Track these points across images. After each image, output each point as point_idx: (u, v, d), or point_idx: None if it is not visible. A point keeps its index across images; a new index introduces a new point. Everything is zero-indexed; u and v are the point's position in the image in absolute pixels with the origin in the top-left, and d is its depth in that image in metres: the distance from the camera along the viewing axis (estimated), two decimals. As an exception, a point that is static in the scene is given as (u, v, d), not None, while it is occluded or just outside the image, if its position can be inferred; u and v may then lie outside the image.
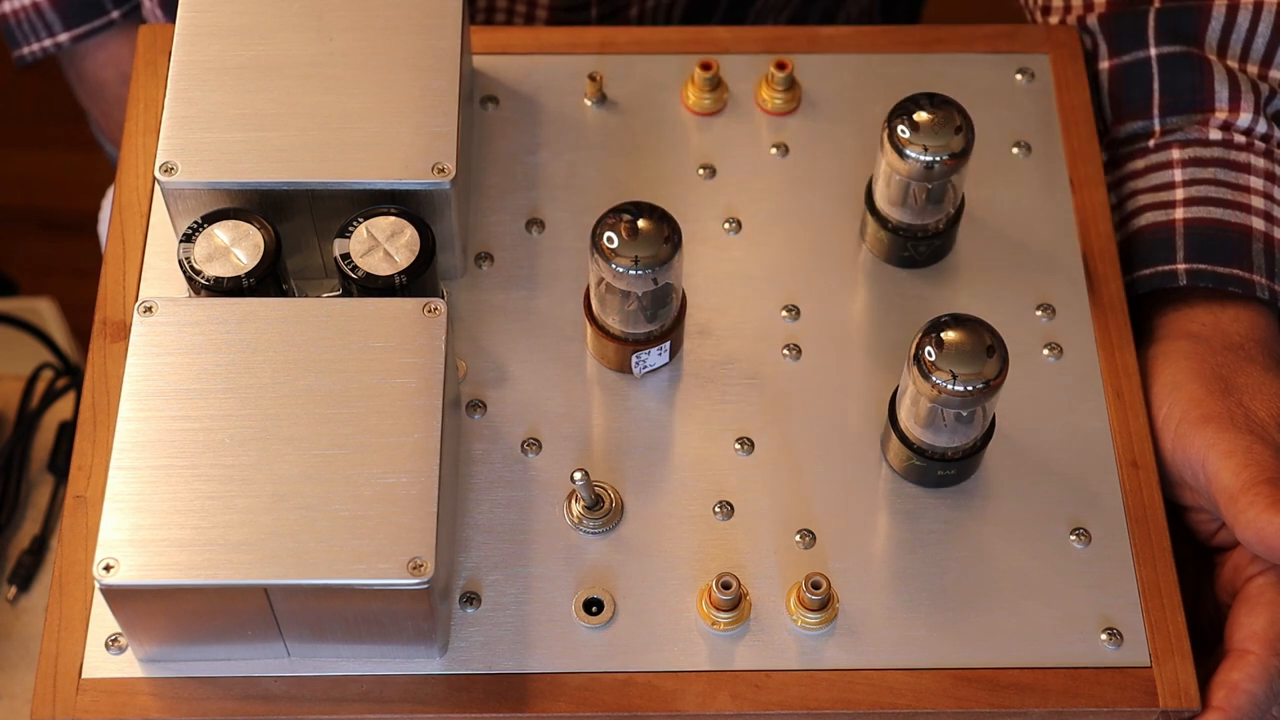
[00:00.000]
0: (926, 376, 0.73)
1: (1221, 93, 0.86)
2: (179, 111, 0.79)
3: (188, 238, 0.76)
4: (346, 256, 0.76)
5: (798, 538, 0.77)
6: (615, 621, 0.75)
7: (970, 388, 0.73)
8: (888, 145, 0.79)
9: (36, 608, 1.03)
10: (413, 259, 0.76)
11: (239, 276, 0.76)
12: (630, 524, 0.77)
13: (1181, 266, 0.83)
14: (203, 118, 0.78)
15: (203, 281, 0.76)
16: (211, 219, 0.77)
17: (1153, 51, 0.87)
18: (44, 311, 1.38)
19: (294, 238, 0.79)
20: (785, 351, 0.82)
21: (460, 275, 0.83)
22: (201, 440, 0.71)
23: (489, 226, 0.85)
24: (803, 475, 0.79)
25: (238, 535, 0.69)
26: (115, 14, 1.08)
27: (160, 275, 0.82)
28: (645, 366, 0.80)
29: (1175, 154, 0.86)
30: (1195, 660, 0.75)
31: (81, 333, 1.13)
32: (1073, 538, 0.77)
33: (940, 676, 0.74)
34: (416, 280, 0.76)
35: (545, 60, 0.89)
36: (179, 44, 0.80)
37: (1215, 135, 0.86)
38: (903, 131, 0.78)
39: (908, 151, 0.78)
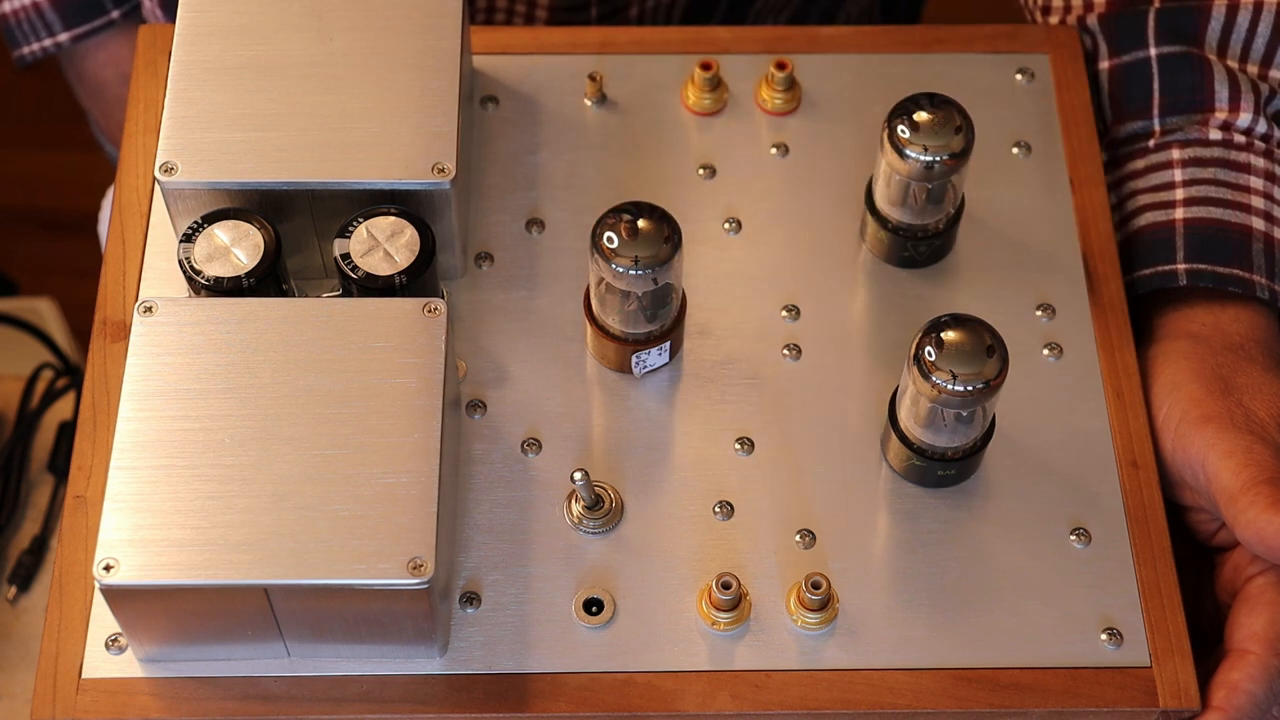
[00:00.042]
0: (926, 376, 0.73)
1: (1221, 93, 0.86)
2: (179, 111, 0.79)
3: (188, 238, 0.76)
4: (346, 256, 0.76)
5: (798, 538, 0.77)
6: (615, 621, 0.75)
7: (970, 388, 0.73)
8: (888, 145, 0.79)
9: (36, 608, 1.03)
10: (413, 259, 0.76)
11: (239, 276, 0.76)
12: (630, 524, 0.77)
13: (1181, 266, 0.83)
14: (203, 118, 0.78)
15: (203, 281, 0.76)
16: (211, 219, 0.77)
17: (1153, 51, 0.87)
18: (44, 311, 1.38)
19: (294, 238, 0.79)
20: (785, 351, 0.82)
21: (460, 275, 0.83)
22: (201, 440, 0.71)
23: (489, 226, 0.85)
24: (803, 475, 0.79)
25: (238, 535, 0.69)
26: (115, 14, 1.08)
27: (160, 275, 0.82)
28: (645, 366, 0.80)
29: (1175, 154, 0.86)
30: (1195, 660, 0.75)
31: (81, 333, 1.13)
32: (1073, 538, 0.77)
33: (940, 676, 0.74)
34: (416, 280, 0.76)
35: (545, 60, 0.89)
36: (179, 44, 0.80)
37: (1215, 135, 0.86)
38: (903, 131, 0.78)
39: (908, 151, 0.78)
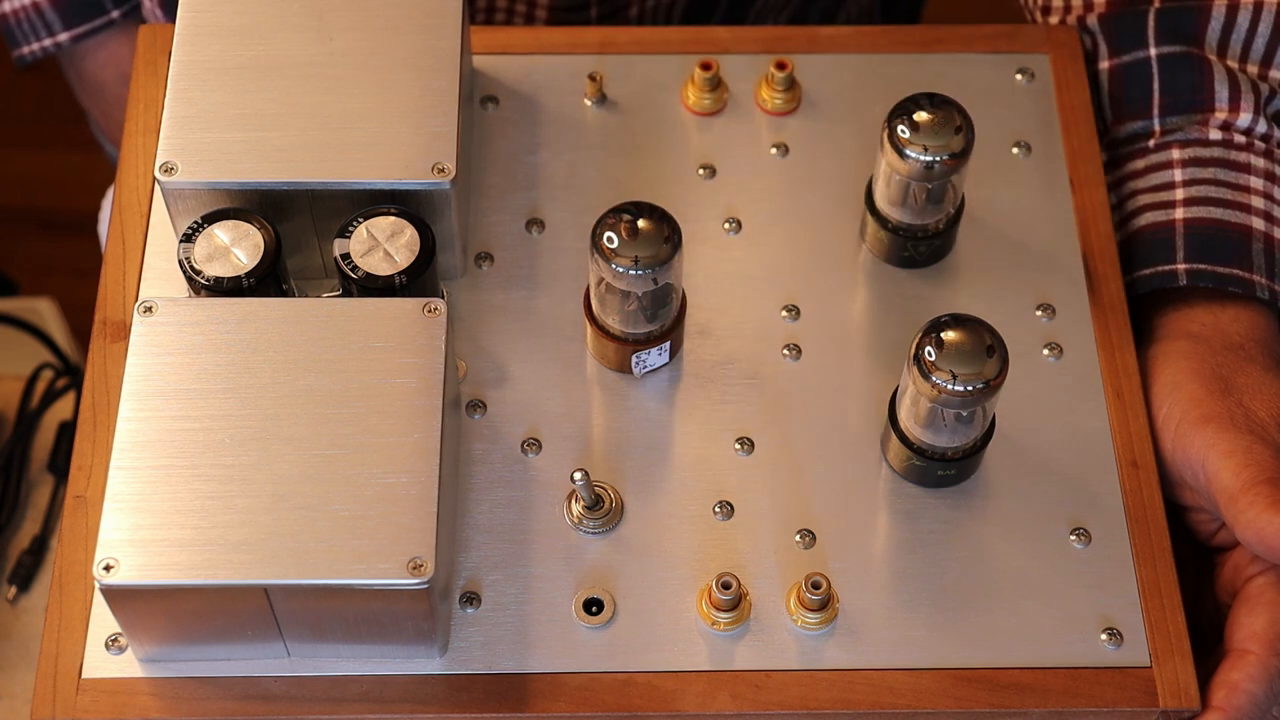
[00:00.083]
0: (926, 376, 0.73)
1: (1221, 93, 0.86)
2: (179, 111, 0.79)
3: (188, 238, 0.76)
4: (346, 256, 0.76)
5: (798, 538, 0.77)
6: (615, 621, 0.75)
7: (970, 388, 0.73)
8: (888, 145, 0.79)
9: (36, 608, 1.03)
10: (413, 259, 0.76)
11: (239, 276, 0.76)
12: (630, 524, 0.77)
13: (1181, 266, 0.83)
14: (203, 118, 0.78)
15: (203, 281, 0.76)
16: (211, 219, 0.77)
17: (1153, 51, 0.87)
18: (44, 311, 1.38)
19: (294, 238, 0.79)
20: (785, 351, 0.82)
21: (460, 275, 0.83)
22: (201, 440, 0.71)
23: (489, 226, 0.85)
24: (803, 475, 0.79)
25: (238, 535, 0.69)
26: (115, 14, 1.08)
27: (160, 275, 0.82)
28: (645, 366, 0.80)
29: (1175, 154, 0.86)
30: (1195, 660, 0.75)
31: (81, 333, 1.13)
32: (1073, 538, 0.77)
33: (940, 676, 0.74)
34: (416, 280, 0.76)
35: (545, 60, 0.89)
36: (179, 44, 0.80)
37: (1215, 135, 0.86)
38: (903, 131, 0.78)
39: (908, 151, 0.78)
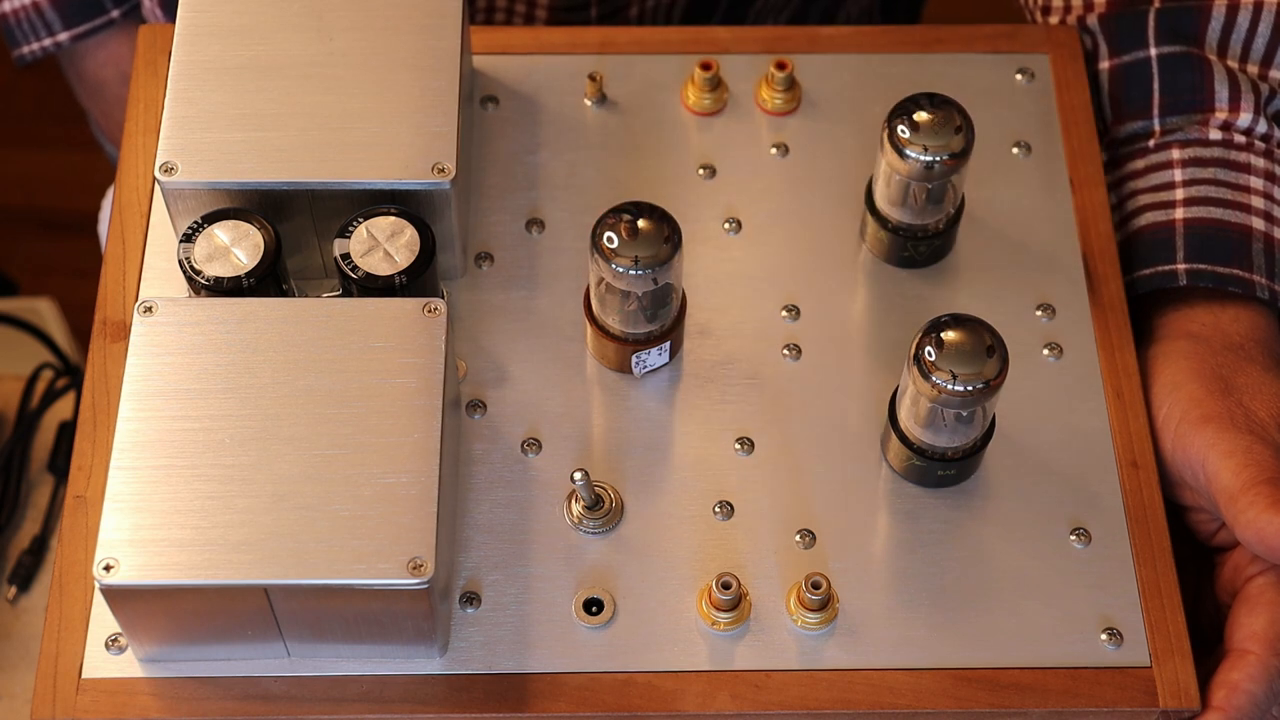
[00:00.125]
0: (926, 376, 0.73)
1: (1221, 93, 0.86)
2: (179, 111, 0.79)
3: (188, 238, 0.76)
4: (346, 256, 0.76)
5: (798, 538, 0.77)
6: (615, 621, 0.75)
7: (970, 388, 0.73)
8: (888, 145, 0.79)
9: (36, 608, 1.03)
10: (413, 259, 0.76)
11: (239, 276, 0.76)
12: (630, 524, 0.77)
13: (1181, 266, 0.83)
14: (203, 118, 0.78)
15: (203, 281, 0.76)
16: (211, 219, 0.77)
17: (1153, 51, 0.87)
18: (44, 311, 1.38)
19: (294, 238, 0.79)
20: (785, 351, 0.82)
21: (460, 275, 0.83)
22: (201, 440, 0.71)
23: (489, 226, 0.85)
24: (803, 475, 0.79)
25: (238, 535, 0.69)
26: (115, 13, 1.08)
27: (160, 275, 0.82)
28: (645, 366, 0.80)
29: (1175, 154, 0.86)
30: (1195, 660, 0.75)
31: (81, 333, 1.13)
32: (1073, 538, 0.77)
33: (940, 676, 0.74)
34: (416, 280, 0.76)
35: (545, 60, 0.89)
36: (179, 44, 0.80)
37: (1215, 135, 0.86)
38: (903, 131, 0.78)
39: (908, 151, 0.78)
